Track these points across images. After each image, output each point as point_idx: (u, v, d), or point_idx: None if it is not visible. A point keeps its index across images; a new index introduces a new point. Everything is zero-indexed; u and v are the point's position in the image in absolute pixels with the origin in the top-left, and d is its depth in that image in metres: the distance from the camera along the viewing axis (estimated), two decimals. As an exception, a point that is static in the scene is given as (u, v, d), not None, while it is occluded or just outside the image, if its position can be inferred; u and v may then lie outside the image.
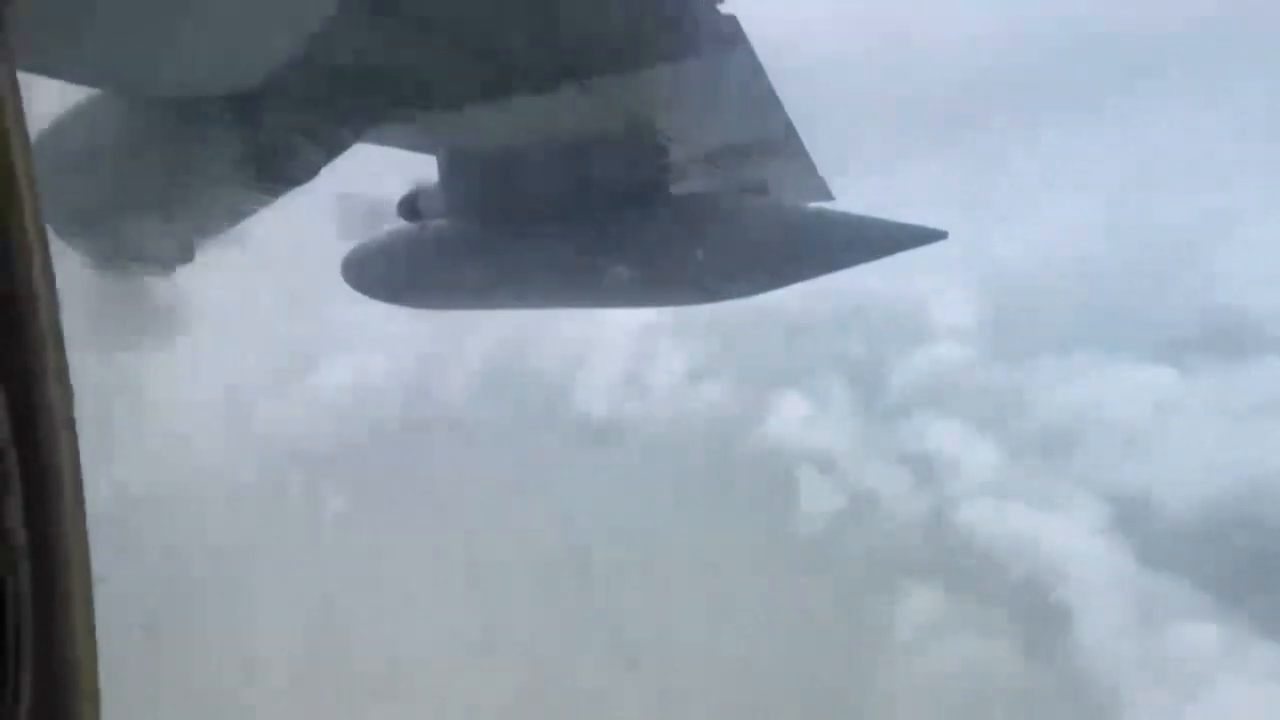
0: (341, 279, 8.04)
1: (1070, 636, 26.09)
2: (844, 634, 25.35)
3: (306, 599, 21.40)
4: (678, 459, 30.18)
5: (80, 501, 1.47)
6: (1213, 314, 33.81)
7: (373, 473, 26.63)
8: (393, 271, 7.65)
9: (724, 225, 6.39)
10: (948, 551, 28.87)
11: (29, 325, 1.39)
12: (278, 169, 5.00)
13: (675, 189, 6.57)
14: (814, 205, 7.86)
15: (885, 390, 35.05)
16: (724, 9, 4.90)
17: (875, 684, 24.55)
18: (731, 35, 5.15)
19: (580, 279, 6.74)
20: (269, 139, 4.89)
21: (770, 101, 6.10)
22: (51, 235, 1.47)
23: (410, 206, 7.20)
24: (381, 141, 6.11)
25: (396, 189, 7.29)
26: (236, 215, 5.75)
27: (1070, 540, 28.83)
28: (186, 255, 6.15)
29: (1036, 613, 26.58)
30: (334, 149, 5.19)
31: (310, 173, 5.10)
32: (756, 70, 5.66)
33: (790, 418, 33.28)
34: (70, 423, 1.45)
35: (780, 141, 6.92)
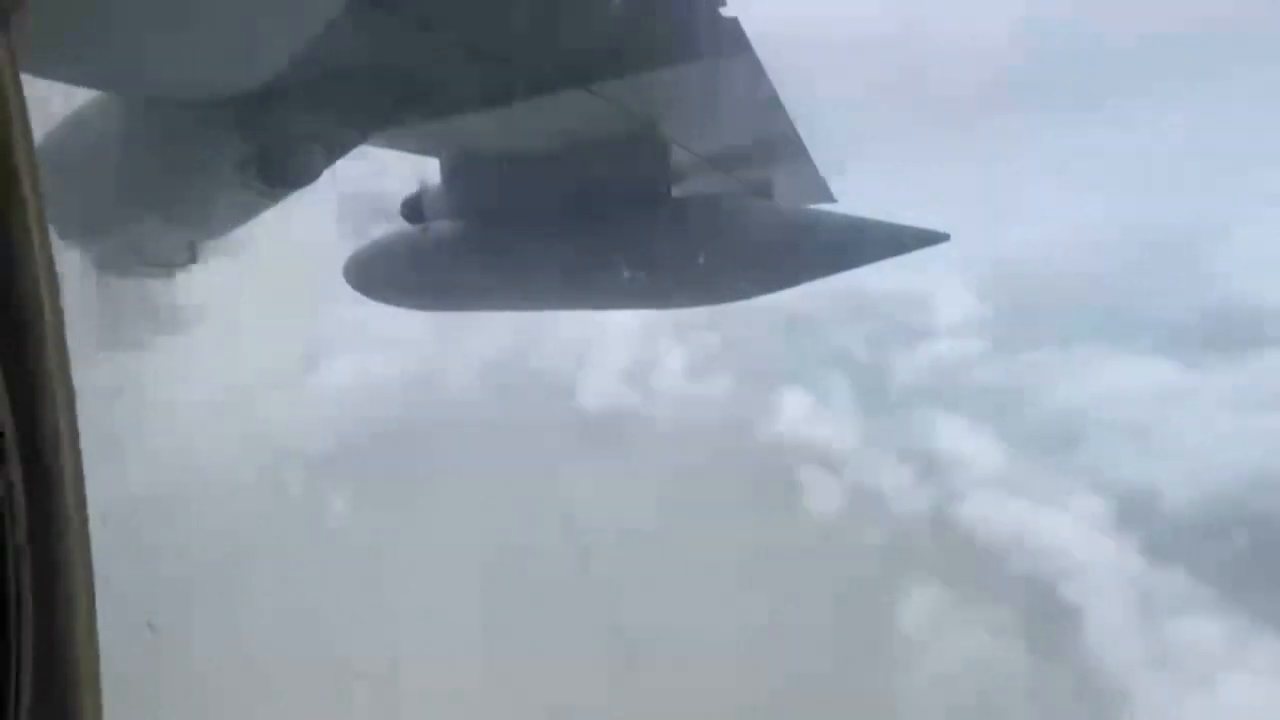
0: (342, 280, 8.06)
1: (1075, 632, 26.16)
2: (847, 631, 25.37)
3: (307, 598, 21.40)
4: (679, 457, 30.18)
5: (82, 502, 1.48)
6: (1215, 309, 33.92)
7: (373, 473, 26.64)
8: (395, 273, 7.66)
9: (726, 227, 6.41)
10: (951, 547, 28.91)
11: (32, 325, 1.40)
12: (281, 171, 5.01)
13: (677, 191, 6.58)
14: (816, 207, 7.88)
15: (887, 386, 35.13)
16: (726, 12, 4.91)
17: (879, 682, 24.58)
18: (734, 38, 5.16)
19: (583, 281, 6.75)
20: (272, 141, 4.90)
21: (772, 104, 6.12)
22: (54, 236, 1.47)
23: (413, 208, 7.22)
24: (384, 143, 6.13)
25: (399, 190, 7.31)
26: (240, 217, 5.76)
27: (1074, 535, 28.92)
28: (190, 257, 6.16)
29: (1041, 608, 26.62)
30: (337, 151, 5.19)
31: (314, 175, 5.11)
32: (758, 73, 5.67)
33: (792, 415, 33.35)
34: (73, 423, 1.46)
35: (782, 144, 6.94)
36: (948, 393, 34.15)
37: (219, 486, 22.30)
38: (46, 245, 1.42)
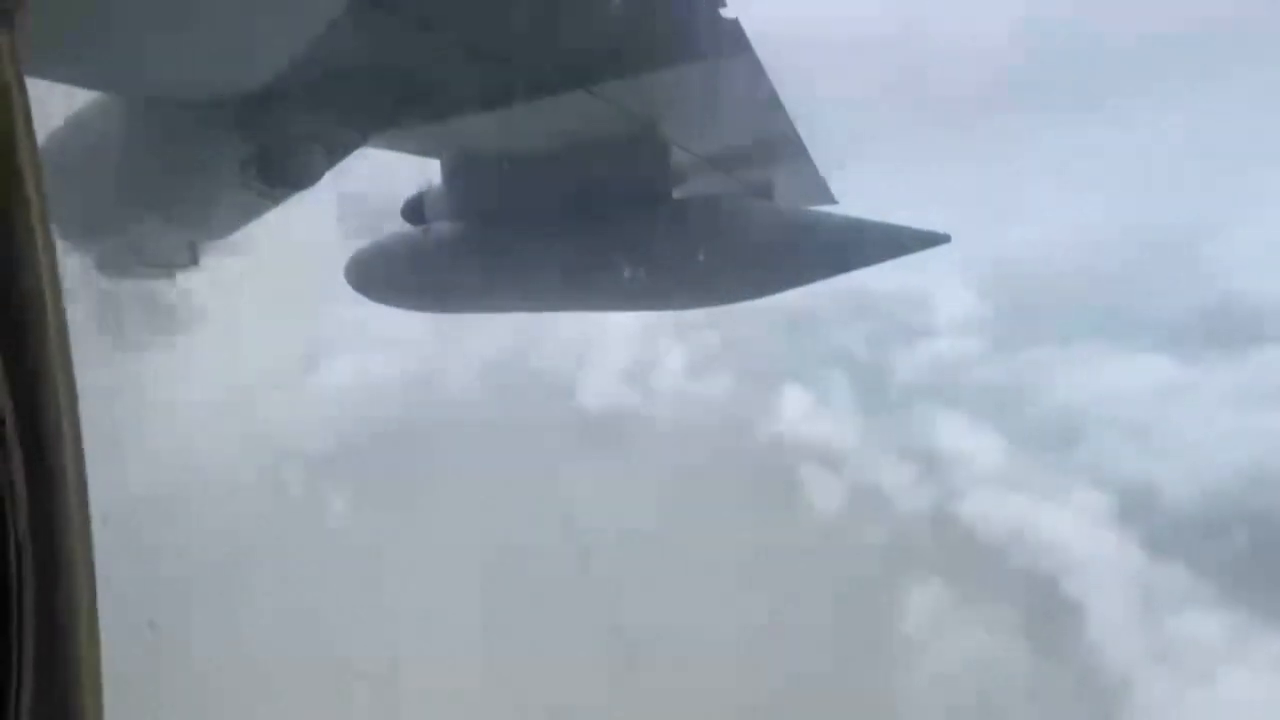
0: (343, 281, 8.06)
1: (1076, 628, 26.21)
2: (848, 630, 25.39)
3: (307, 598, 21.41)
4: (680, 457, 30.19)
5: (84, 501, 1.48)
6: (1214, 307, 33.97)
7: (373, 473, 26.64)
8: (396, 274, 7.67)
9: (726, 228, 6.40)
10: (952, 544, 28.96)
11: (35, 325, 1.40)
12: (282, 172, 5.00)
13: (677, 192, 6.58)
14: (816, 208, 7.88)
15: (888, 384, 35.16)
16: (726, 13, 4.91)
17: (881, 680, 24.59)
18: (734, 39, 5.16)
19: (583, 282, 6.75)
20: (274, 142, 4.89)
21: (773, 105, 6.12)
22: (57, 237, 1.47)
23: (414, 209, 7.22)
24: (386, 145, 6.13)
25: (400, 192, 7.31)
26: (241, 219, 5.76)
27: (1075, 531, 28.98)
28: (191, 258, 6.16)
29: (1042, 604, 26.67)
30: (339, 152, 5.19)
31: (315, 176, 5.11)
32: (759, 74, 5.67)
33: (793, 414, 33.37)
34: (75, 420, 1.46)
35: (782, 145, 6.94)
36: (948, 391, 34.23)
37: (219, 486, 22.32)
38: (50, 245, 1.42)
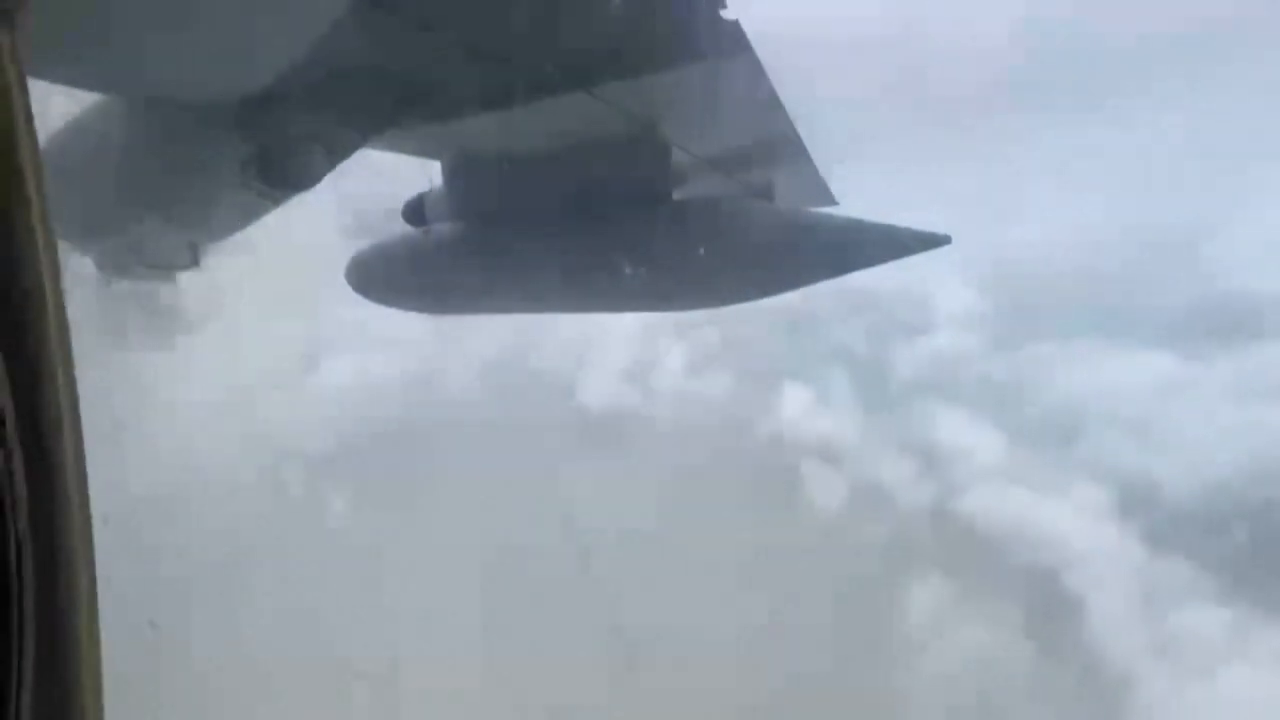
0: (344, 281, 8.06)
1: (1078, 622, 26.24)
2: (850, 628, 25.40)
3: (307, 598, 21.39)
4: (680, 455, 30.17)
5: (85, 500, 1.48)
6: (1214, 303, 34.01)
7: (373, 473, 26.62)
8: (397, 276, 7.68)
9: (727, 230, 6.42)
10: (954, 540, 28.98)
11: (35, 324, 1.40)
12: (283, 174, 5.02)
13: (678, 194, 6.60)
14: (817, 210, 7.89)
15: (888, 381, 35.15)
16: (727, 14, 4.92)
17: (883, 679, 24.59)
18: (735, 40, 5.17)
19: (584, 283, 6.77)
20: (274, 144, 4.91)
21: (773, 106, 6.13)
22: (58, 238, 1.48)
23: (415, 211, 7.23)
24: (386, 146, 6.14)
25: (401, 193, 7.32)
26: (242, 220, 5.77)
27: (1075, 526, 29.02)
28: (192, 260, 6.18)
29: (1044, 599, 26.70)
30: (340, 153, 5.20)
31: (316, 177, 5.12)
32: (759, 75, 5.68)
33: (793, 411, 33.38)
34: (75, 422, 1.46)
35: (783, 146, 6.95)
36: (948, 387, 34.25)
37: (219, 486, 22.30)
38: (50, 244, 1.42)
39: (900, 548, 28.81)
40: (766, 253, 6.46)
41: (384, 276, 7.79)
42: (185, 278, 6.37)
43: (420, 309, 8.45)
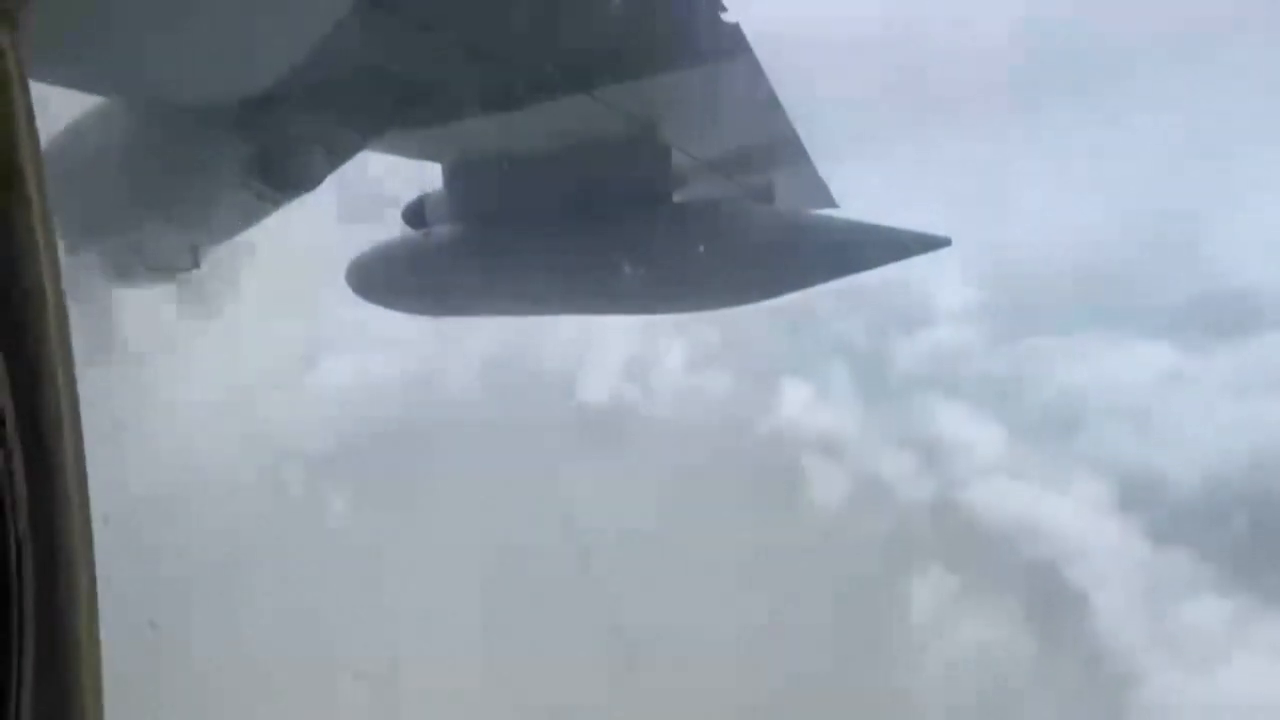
0: (343, 280, 8.07)
1: (1082, 616, 26.27)
2: (852, 626, 25.38)
3: (307, 598, 21.39)
4: (680, 452, 30.11)
5: (85, 500, 1.49)
6: (1212, 294, 34.02)
7: (373, 473, 26.61)
8: (397, 278, 7.68)
9: (727, 232, 6.43)
10: (955, 535, 28.98)
11: (35, 324, 1.40)
12: (285, 175, 5.03)
13: (679, 196, 6.61)
14: (817, 212, 7.89)
15: (888, 375, 35.12)
16: (727, 17, 4.93)
17: (886, 676, 24.57)
18: (735, 43, 5.18)
19: (585, 286, 6.77)
20: (276, 146, 4.92)
21: (773, 108, 6.14)
22: (59, 240, 1.48)
23: (415, 213, 7.24)
24: (387, 148, 6.15)
25: (402, 195, 7.33)
26: (243, 222, 5.78)
27: (1078, 520, 29.04)
28: (193, 262, 6.19)
29: (1048, 592, 26.71)
30: (341, 155, 5.22)
31: (317, 179, 5.13)
32: (759, 77, 5.69)
33: (793, 407, 33.35)
34: (75, 422, 1.47)
35: (783, 148, 6.95)
36: (948, 382, 34.23)
37: (219, 486, 22.29)
38: (51, 244, 1.42)
39: (901, 543, 28.80)
40: (767, 255, 6.48)
41: (384, 279, 7.80)
42: (186, 279, 6.38)
43: (420, 311, 8.46)
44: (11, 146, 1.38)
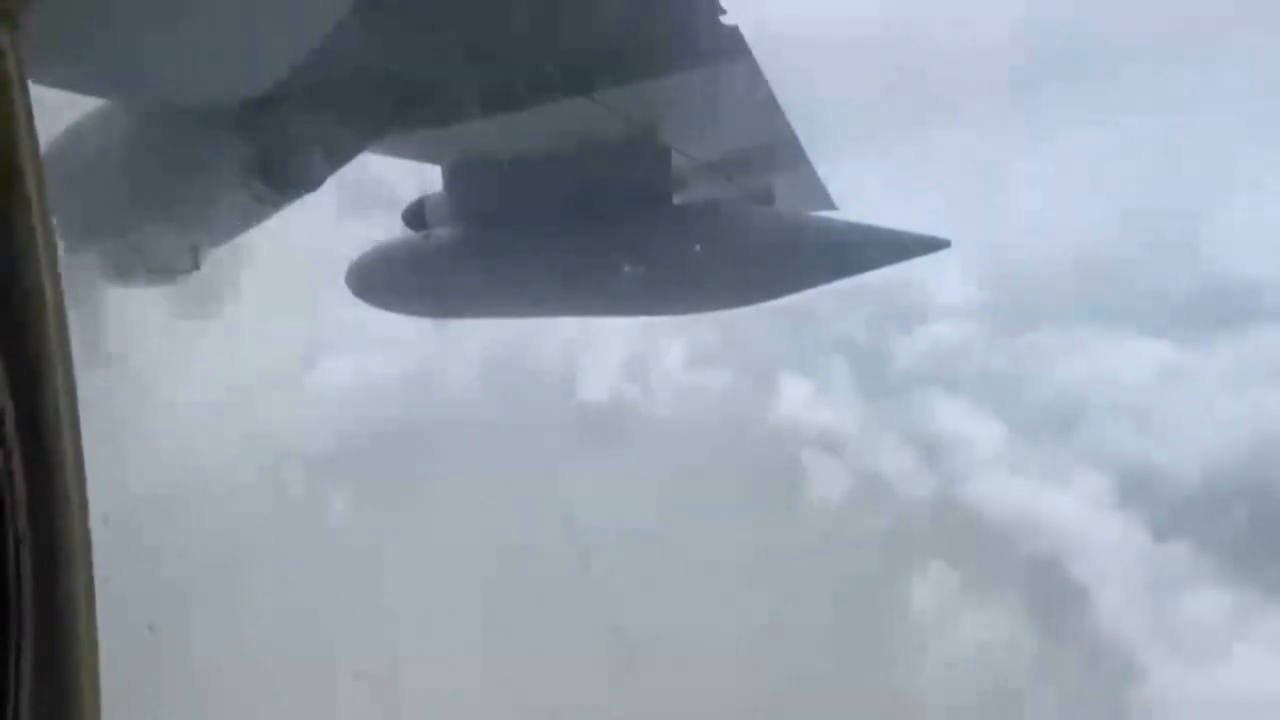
0: (343, 281, 8.07)
1: (1083, 610, 26.29)
2: (853, 624, 25.38)
3: (307, 598, 21.38)
4: (680, 450, 30.10)
5: (83, 500, 1.49)
6: (1210, 288, 34.09)
7: (373, 472, 26.60)
8: (397, 280, 7.68)
9: (728, 234, 6.44)
10: (956, 531, 28.99)
11: (34, 324, 1.41)
12: (285, 177, 5.04)
13: (679, 198, 6.62)
14: (817, 214, 7.90)
15: (887, 371, 35.16)
16: (726, 20, 4.94)
17: (890, 673, 24.57)
18: (734, 46, 5.19)
19: (585, 288, 6.78)
20: (276, 147, 4.93)
21: (773, 111, 6.15)
22: (59, 241, 1.49)
23: (415, 215, 7.24)
24: (387, 150, 6.16)
25: (401, 197, 7.33)
26: (243, 222, 5.79)
27: (1079, 514, 29.09)
28: (193, 263, 6.20)
29: (1049, 587, 26.73)
30: (341, 157, 5.23)
31: (317, 181, 5.14)
32: (759, 80, 5.70)
33: (793, 403, 33.37)
34: (74, 421, 1.47)
35: (783, 150, 6.96)
36: (948, 377, 34.27)
37: (219, 486, 22.27)
38: (50, 244, 1.43)
39: (902, 540, 28.81)
40: (766, 256, 6.50)
41: (384, 281, 7.80)
42: (186, 279, 6.39)
43: (420, 313, 8.47)
44: (11, 147, 1.38)
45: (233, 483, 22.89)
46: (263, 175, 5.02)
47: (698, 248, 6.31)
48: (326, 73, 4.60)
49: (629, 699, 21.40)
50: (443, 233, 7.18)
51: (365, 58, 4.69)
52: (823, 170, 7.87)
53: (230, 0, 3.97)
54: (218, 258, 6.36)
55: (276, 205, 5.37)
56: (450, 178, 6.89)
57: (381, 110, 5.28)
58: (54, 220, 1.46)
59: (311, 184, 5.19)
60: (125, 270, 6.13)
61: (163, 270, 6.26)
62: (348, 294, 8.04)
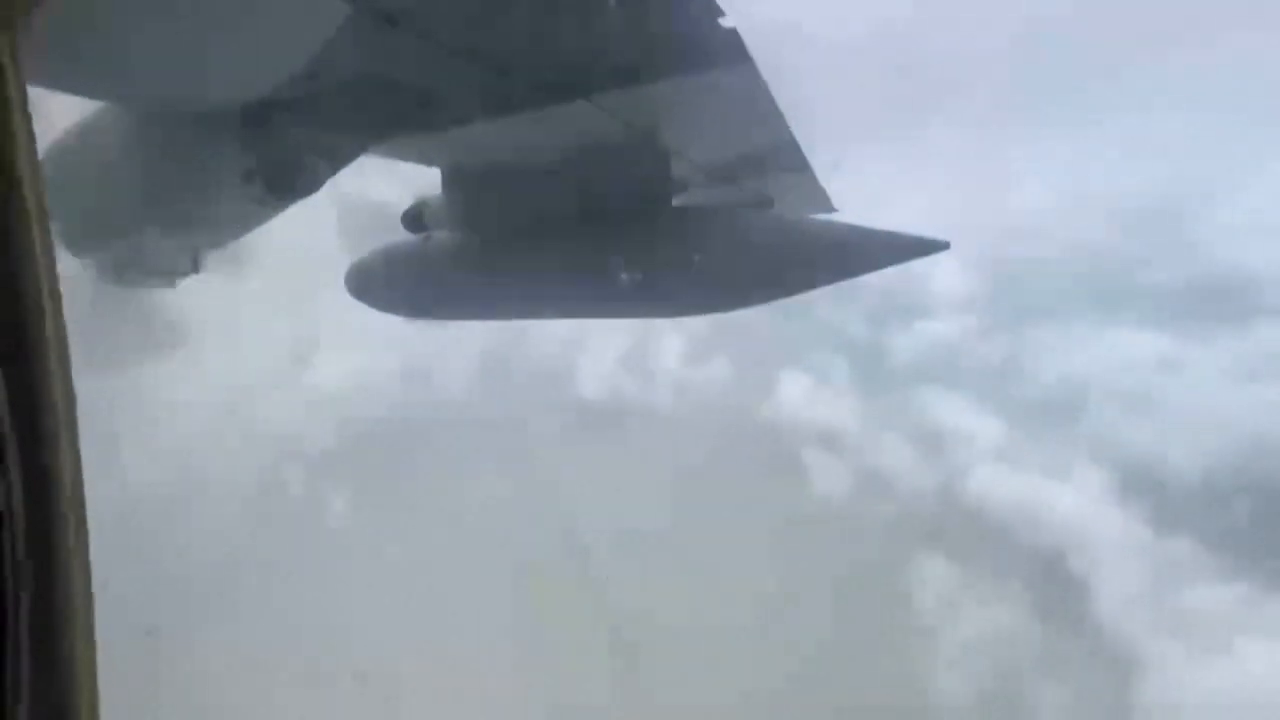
0: (342, 282, 8.08)
1: (1087, 603, 26.34)
2: (857, 622, 25.40)
3: (307, 599, 21.41)
4: (680, 446, 30.12)
5: (81, 504, 1.50)
6: (1207, 281, 34.15)
7: (373, 472, 26.61)
8: (396, 282, 7.68)
9: (726, 238, 6.44)
10: (959, 524, 29.02)
11: (33, 328, 1.42)
12: (284, 181, 5.03)
13: (678, 201, 6.63)
14: (816, 217, 7.91)
15: (886, 366, 35.16)
16: (725, 23, 4.93)
17: (892, 670, 24.58)
18: (733, 49, 5.18)
19: (584, 291, 6.78)
20: (275, 151, 4.92)
21: (772, 114, 6.14)
22: (58, 245, 1.49)
23: (414, 218, 7.24)
24: (386, 153, 6.16)
25: (400, 200, 7.34)
26: (243, 226, 5.80)
27: (1079, 507, 29.11)
28: (192, 266, 6.20)
29: (1050, 581, 26.74)
30: (340, 161, 5.23)
31: (316, 185, 5.14)
32: (758, 83, 5.69)
33: (793, 398, 33.35)
34: (72, 426, 1.48)
35: (782, 154, 6.96)
36: (947, 371, 34.30)
37: (219, 486, 22.31)
38: (49, 249, 1.44)
39: (904, 535, 28.79)
40: (766, 259, 6.50)
41: (383, 283, 7.80)
42: (186, 282, 6.40)
43: (420, 315, 8.47)
44: (10, 154, 1.39)
45: (233, 483, 22.93)
46: (262, 178, 5.02)
47: (697, 251, 6.31)
48: (326, 76, 4.59)
49: (629, 698, 21.42)
50: (442, 235, 7.19)
51: (364, 61, 4.68)
52: (822, 170, 7.88)
53: (230, 3, 3.95)
54: (217, 260, 6.38)
55: (276, 208, 5.37)
56: (449, 181, 6.88)
57: (380, 113, 5.28)
58: (52, 224, 1.46)
59: (311, 187, 5.18)
60: (124, 273, 6.14)
61: (162, 273, 6.27)
62: (346, 294, 8.05)
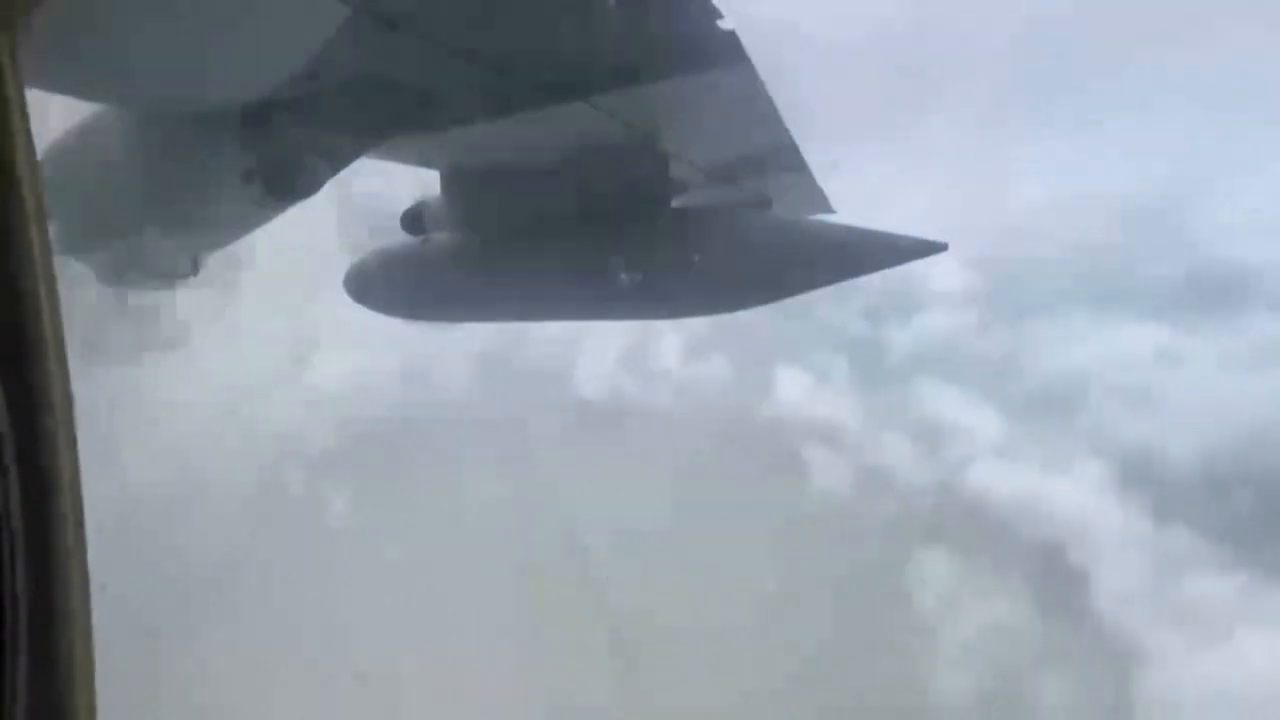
0: (340, 283, 8.08)
1: (1088, 596, 26.36)
2: (858, 621, 25.40)
3: (307, 599, 21.42)
4: (680, 444, 30.12)
5: (79, 505, 1.50)
6: (1205, 273, 34.20)
7: (373, 471, 26.61)
8: (395, 284, 7.69)
9: (725, 239, 6.45)
10: (959, 519, 29.03)
11: (31, 329, 1.42)
12: (284, 182, 5.04)
13: (677, 203, 6.64)
14: (814, 218, 7.93)
15: (885, 363, 35.18)
16: (723, 24, 4.94)
17: (893, 666, 24.59)
18: (731, 50, 5.19)
19: (583, 292, 6.79)
20: (274, 153, 4.93)
21: (770, 115, 6.15)
22: (57, 248, 1.49)
23: (413, 219, 7.25)
24: (386, 155, 6.16)
25: (400, 201, 7.34)
26: (242, 227, 5.81)
27: (1079, 499, 29.13)
28: (192, 268, 6.21)
29: (1051, 573, 26.76)
30: (339, 162, 5.24)
31: (315, 186, 5.14)
32: (756, 84, 5.69)
33: (792, 395, 33.35)
34: (70, 428, 1.48)
35: (781, 155, 6.97)
36: (945, 366, 34.31)
37: (219, 486, 22.32)
38: (46, 249, 1.44)
39: (905, 531, 28.78)
40: (764, 260, 6.51)
41: (383, 285, 7.80)
42: (185, 283, 6.41)
43: (419, 317, 8.48)
44: (8, 155, 1.39)
45: (233, 483, 22.94)
46: (262, 179, 5.02)
47: (696, 252, 6.32)
48: (326, 77, 4.60)
49: (629, 698, 21.43)
50: (441, 237, 7.19)
51: (364, 62, 4.69)
52: (820, 171, 7.89)
53: (230, 4, 3.96)
54: (217, 261, 6.38)
55: (275, 209, 5.38)
56: (448, 182, 6.89)
57: (380, 115, 5.29)
58: (52, 224, 1.47)
59: (310, 188, 5.19)
60: (123, 274, 6.14)
61: (162, 274, 6.27)
62: (345, 295, 8.05)
